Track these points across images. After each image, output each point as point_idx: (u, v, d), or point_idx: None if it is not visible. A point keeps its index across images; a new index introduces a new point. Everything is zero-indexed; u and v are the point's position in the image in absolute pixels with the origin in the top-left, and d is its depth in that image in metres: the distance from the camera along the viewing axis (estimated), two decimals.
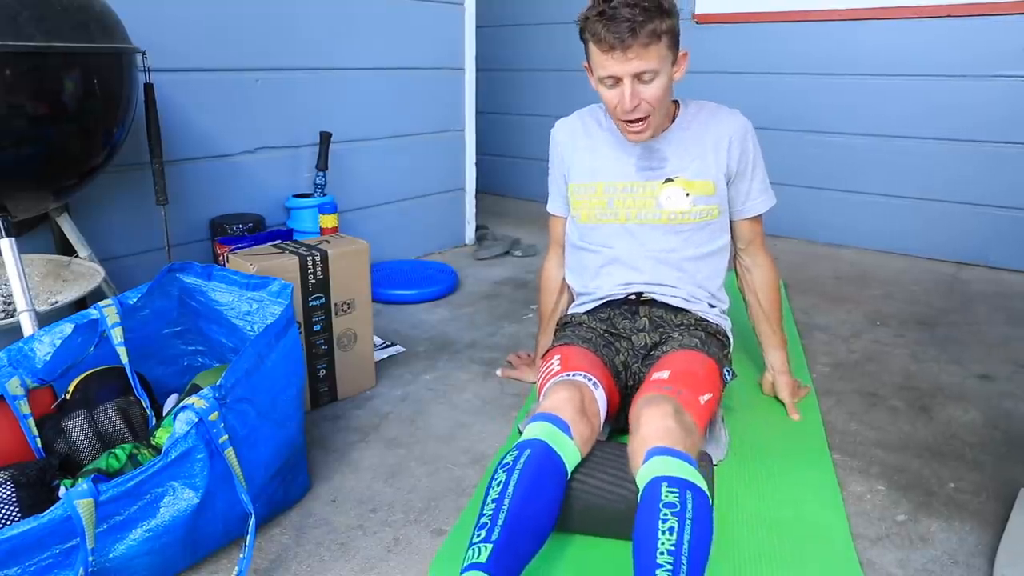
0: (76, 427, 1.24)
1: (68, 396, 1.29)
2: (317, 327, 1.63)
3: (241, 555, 1.06)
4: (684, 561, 0.93)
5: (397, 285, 2.45)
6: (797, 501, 1.32)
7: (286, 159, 2.43)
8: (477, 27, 3.03)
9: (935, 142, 2.86)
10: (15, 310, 1.44)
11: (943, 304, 2.42)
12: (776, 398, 1.67)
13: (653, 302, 1.50)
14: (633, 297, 1.51)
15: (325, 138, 2.40)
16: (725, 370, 1.41)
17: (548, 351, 1.45)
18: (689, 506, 0.99)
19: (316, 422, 1.62)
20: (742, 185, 1.51)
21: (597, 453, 1.21)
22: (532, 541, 1.03)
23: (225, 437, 1.06)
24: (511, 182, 4.16)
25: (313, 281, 1.60)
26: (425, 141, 2.93)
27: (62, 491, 1.11)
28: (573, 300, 1.66)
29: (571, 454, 1.14)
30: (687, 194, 1.46)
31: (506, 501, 1.02)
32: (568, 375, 1.28)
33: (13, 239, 1.45)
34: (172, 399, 1.39)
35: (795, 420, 1.60)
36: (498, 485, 1.05)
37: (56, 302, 1.58)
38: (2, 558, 0.92)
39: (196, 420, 1.03)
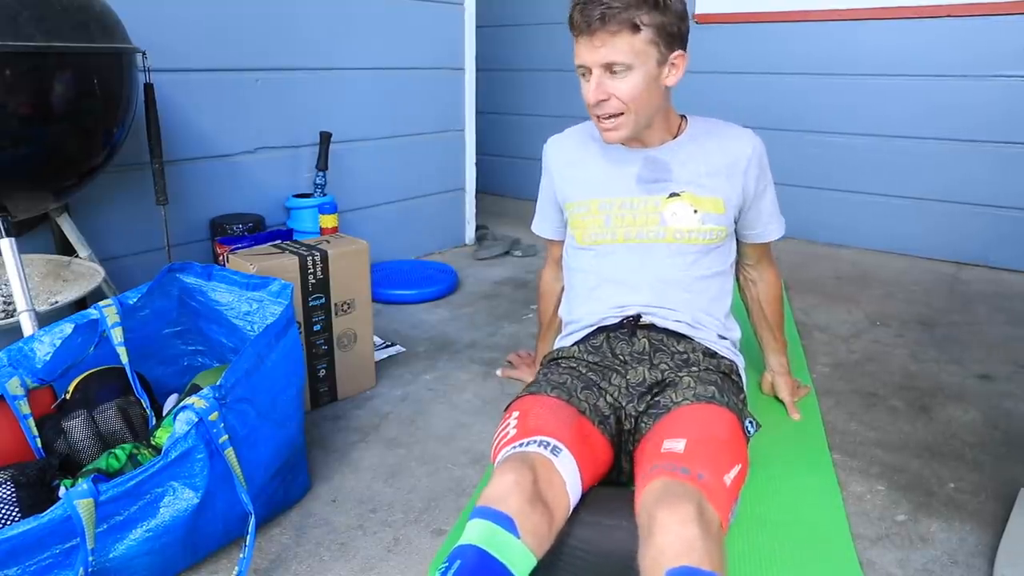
0: (76, 427, 1.24)
1: (68, 396, 1.29)
2: (317, 327, 1.63)
3: (241, 555, 1.06)
4: None
5: (397, 285, 2.45)
6: (797, 501, 1.32)
7: (286, 159, 2.43)
8: (477, 27, 3.03)
9: (935, 142, 2.86)
10: (15, 310, 1.44)
11: (943, 304, 2.42)
12: (776, 398, 1.67)
13: (652, 327, 1.32)
14: (630, 320, 1.32)
15: (325, 138, 2.40)
16: (747, 423, 1.20)
17: (510, 405, 1.22)
18: None
19: (316, 422, 1.62)
20: (755, 211, 1.40)
21: (567, 554, 1.02)
22: None
23: (225, 437, 1.06)
24: (511, 182, 4.16)
25: (313, 281, 1.60)
26: (425, 141, 2.93)
27: (62, 491, 1.11)
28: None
29: (519, 559, 0.91)
30: (695, 211, 1.31)
31: None
32: (520, 445, 1.05)
33: (13, 239, 1.45)
34: (172, 399, 1.39)
35: (795, 420, 1.60)
36: None
37: (56, 302, 1.58)
38: (2, 558, 0.92)
39: (196, 420, 1.03)
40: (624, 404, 1.24)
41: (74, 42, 1.39)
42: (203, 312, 1.44)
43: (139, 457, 1.19)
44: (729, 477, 1.03)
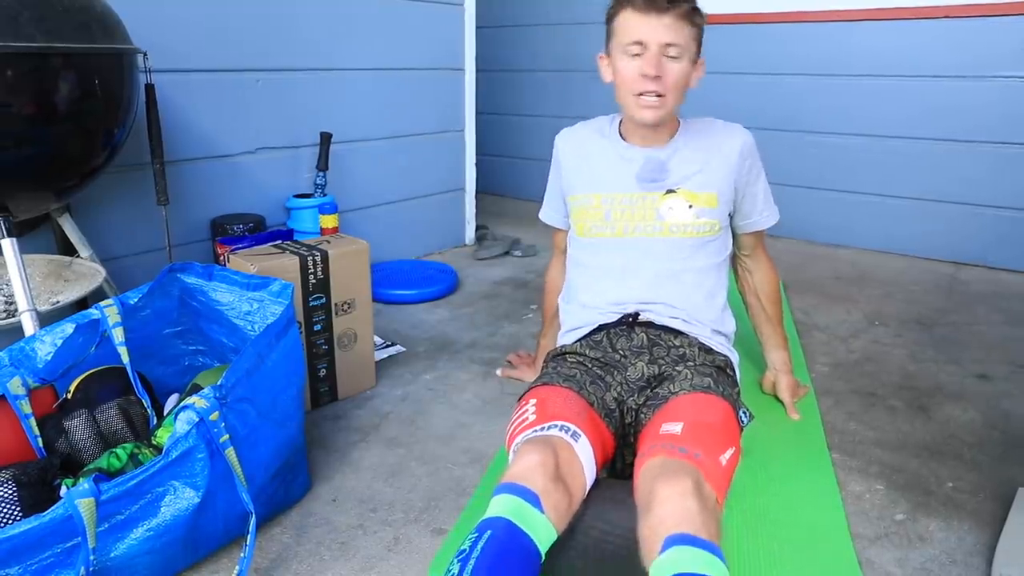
0: (77, 427, 1.24)
1: (69, 396, 1.30)
2: (317, 327, 1.64)
3: (242, 554, 1.06)
4: None
5: (397, 285, 2.45)
6: (796, 500, 1.33)
7: (286, 159, 2.43)
8: (477, 27, 3.03)
9: (934, 143, 2.86)
10: (16, 310, 1.44)
11: (942, 304, 2.42)
12: (776, 397, 1.68)
13: (650, 324, 1.37)
14: (628, 318, 1.38)
15: (325, 138, 2.41)
16: (741, 412, 1.26)
17: (525, 393, 1.28)
18: None
19: (316, 422, 1.62)
20: (747, 201, 1.47)
21: (583, 531, 1.06)
22: None
23: (226, 437, 1.07)
24: (511, 182, 4.16)
25: (313, 281, 1.61)
26: (425, 141, 2.94)
27: (63, 490, 1.12)
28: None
29: (543, 531, 0.96)
30: (690, 206, 1.39)
31: None
32: (541, 429, 1.10)
33: (15, 239, 1.45)
34: (173, 399, 1.40)
35: (794, 420, 1.61)
36: None
37: (57, 302, 1.59)
38: (4, 557, 0.93)
39: (197, 420, 1.04)
40: (626, 398, 1.29)
41: (75, 43, 1.39)
42: (204, 312, 1.44)
43: (140, 457, 1.20)
44: (724, 458, 1.08)
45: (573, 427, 1.10)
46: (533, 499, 0.97)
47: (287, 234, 2.28)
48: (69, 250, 1.79)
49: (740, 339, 1.72)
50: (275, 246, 1.67)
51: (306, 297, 1.60)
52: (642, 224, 1.40)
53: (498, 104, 4.07)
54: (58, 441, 1.24)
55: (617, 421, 1.27)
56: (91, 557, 0.93)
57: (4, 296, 1.65)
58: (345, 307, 1.68)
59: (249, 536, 1.06)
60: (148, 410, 1.34)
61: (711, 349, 1.36)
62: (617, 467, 1.29)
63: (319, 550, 1.21)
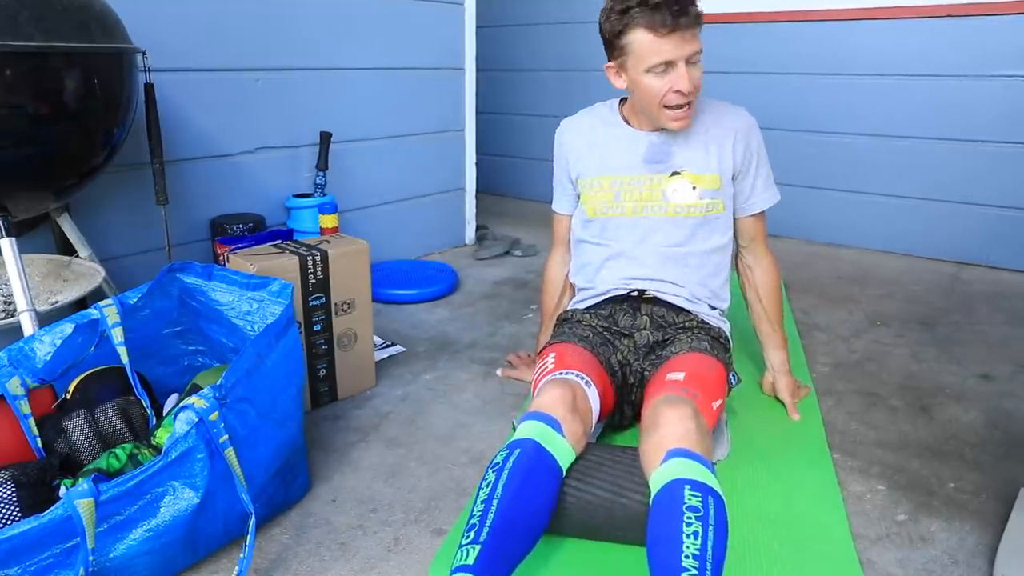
0: (76, 427, 1.24)
1: (68, 396, 1.29)
2: (317, 327, 1.63)
3: (241, 555, 1.06)
4: (709, 568, 0.92)
5: (397, 285, 2.45)
6: (797, 501, 1.32)
7: (286, 159, 2.43)
8: (477, 27, 3.03)
9: (935, 142, 2.86)
10: (15, 310, 1.44)
11: (944, 304, 2.42)
12: (776, 398, 1.67)
13: (655, 300, 1.50)
14: (635, 294, 1.50)
15: (325, 138, 2.40)
16: (731, 375, 1.40)
17: (544, 348, 1.45)
18: (712, 511, 0.98)
19: (316, 422, 1.62)
20: (747, 181, 1.52)
21: (592, 457, 1.20)
22: (522, 542, 1.02)
23: (225, 437, 1.06)
24: (511, 182, 4.16)
25: (313, 281, 1.60)
26: (425, 141, 2.94)
27: (62, 491, 1.11)
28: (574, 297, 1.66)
29: (564, 452, 1.14)
30: (694, 187, 1.47)
31: (495, 502, 1.01)
32: (561, 374, 1.27)
33: (14, 239, 1.45)
34: (172, 399, 1.39)
35: (795, 420, 1.61)
36: (487, 486, 1.04)
37: (56, 302, 1.59)
38: (3, 557, 0.92)
39: (196, 420, 1.03)
40: (631, 361, 1.45)
41: (74, 42, 1.39)
42: (203, 312, 1.44)
43: (139, 457, 1.19)
44: (715, 404, 1.28)
45: (586, 376, 1.28)
46: (556, 425, 1.14)
47: (287, 234, 2.28)
48: (68, 250, 1.79)
49: (740, 339, 1.73)
50: (275, 246, 1.67)
51: (306, 297, 1.60)
52: (650, 204, 1.48)
53: (498, 104, 4.07)
54: (57, 441, 1.24)
55: (620, 380, 1.43)
56: (90, 558, 0.93)
57: (3, 296, 1.64)
58: (345, 307, 1.68)
59: (249, 536, 1.06)
60: (147, 410, 1.34)
61: (707, 323, 1.50)
62: (615, 419, 1.47)
63: (319, 550, 1.21)
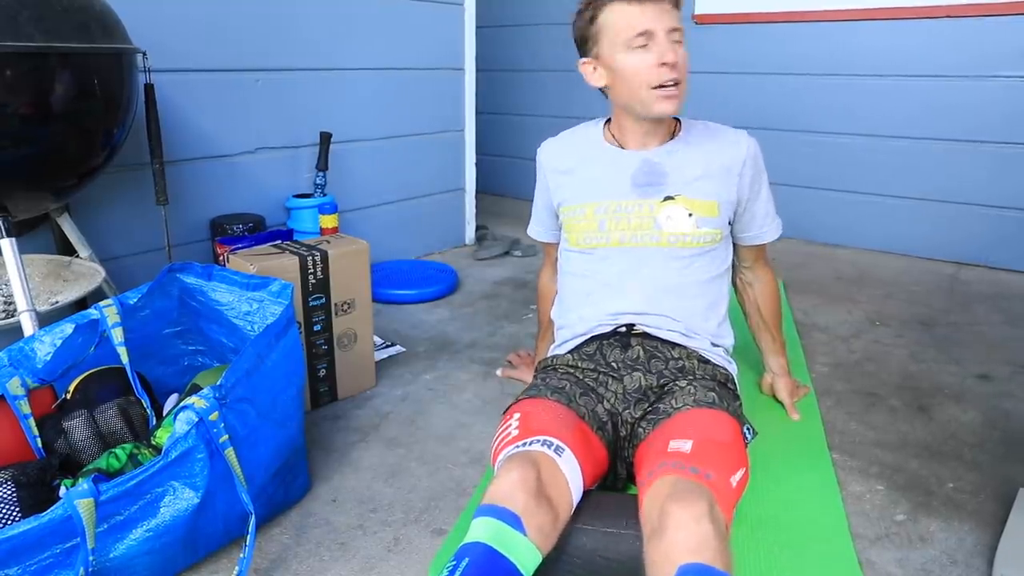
0: (76, 427, 1.24)
1: (68, 396, 1.29)
2: (317, 327, 1.64)
3: (241, 555, 1.06)
4: None
5: (397, 285, 2.45)
6: (796, 501, 1.32)
7: (286, 159, 2.43)
8: (477, 27, 3.03)
9: (935, 142, 2.86)
10: (16, 310, 1.44)
11: (943, 304, 2.42)
12: (775, 398, 1.68)
13: (646, 336, 1.31)
14: (623, 329, 1.32)
15: (325, 138, 2.40)
16: (745, 428, 1.21)
17: (509, 407, 1.22)
18: None
19: (316, 422, 1.62)
20: (751, 212, 1.40)
21: (571, 549, 1.02)
22: None
23: (225, 437, 1.07)
24: (511, 182, 4.16)
25: (313, 281, 1.61)
26: (425, 141, 2.94)
27: (62, 491, 1.11)
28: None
29: (526, 555, 0.92)
30: (690, 214, 1.31)
31: None
32: (523, 444, 1.06)
33: (14, 239, 1.45)
34: (172, 399, 1.40)
35: (795, 420, 1.61)
36: None
37: (57, 302, 1.59)
38: (3, 558, 0.93)
39: (196, 420, 1.03)
40: (621, 410, 1.25)
41: (74, 42, 1.39)
42: (203, 312, 1.44)
43: (139, 457, 1.20)
44: (735, 479, 1.04)
45: (557, 441, 1.06)
46: (514, 521, 0.93)
47: (287, 234, 2.28)
48: (68, 250, 1.79)
49: (738, 344, 1.72)
50: (275, 246, 1.67)
51: (306, 297, 1.60)
52: (639, 233, 1.32)
53: (498, 104, 4.07)
54: (57, 441, 1.24)
55: (610, 434, 1.23)
56: (90, 558, 0.93)
57: (3, 296, 1.64)
58: (345, 307, 1.68)
59: (249, 536, 1.06)
60: (147, 410, 1.34)
61: (709, 360, 1.32)
62: (608, 481, 1.26)
63: (319, 551, 1.21)
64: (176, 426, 1.04)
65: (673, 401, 1.21)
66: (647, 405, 1.24)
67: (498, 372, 1.87)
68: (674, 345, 1.31)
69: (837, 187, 3.12)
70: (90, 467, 1.17)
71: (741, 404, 1.32)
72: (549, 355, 1.42)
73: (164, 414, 1.36)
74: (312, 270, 1.60)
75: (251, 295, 1.40)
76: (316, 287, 1.61)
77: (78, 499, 0.92)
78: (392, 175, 2.83)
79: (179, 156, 2.12)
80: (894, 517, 1.30)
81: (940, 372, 1.90)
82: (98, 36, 1.45)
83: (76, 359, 1.27)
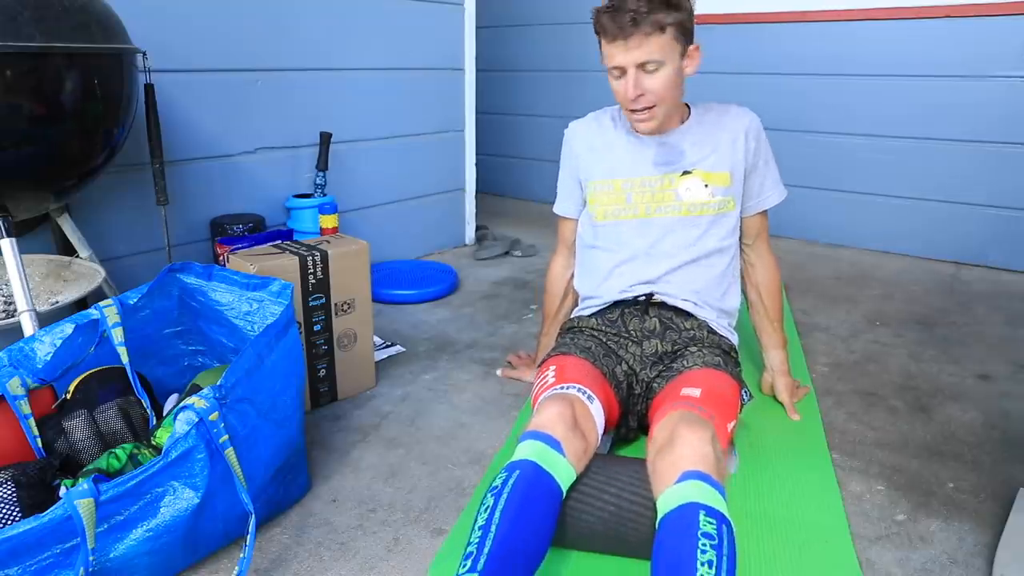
0: (77, 427, 1.24)
1: (69, 396, 1.29)
2: (317, 327, 1.64)
3: (241, 555, 1.06)
4: None
5: (397, 285, 2.45)
6: (796, 501, 1.32)
7: (286, 159, 2.43)
8: (477, 27, 3.03)
9: (935, 142, 2.86)
10: (16, 310, 1.44)
11: (943, 304, 2.42)
12: (775, 399, 1.68)
13: (663, 305, 1.48)
14: (643, 298, 1.48)
15: (325, 138, 2.40)
16: (743, 391, 1.38)
17: (545, 360, 1.41)
18: (726, 542, 0.96)
19: (316, 422, 1.62)
20: (757, 178, 1.53)
21: (595, 472, 1.17)
22: (522, 568, 0.99)
23: (225, 437, 1.07)
24: (511, 182, 4.16)
25: (313, 281, 1.61)
26: (425, 141, 2.94)
27: (62, 491, 1.11)
28: (576, 301, 1.66)
29: (564, 472, 1.11)
30: (706, 185, 1.47)
31: (492, 527, 0.98)
32: (561, 388, 1.25)
33: (14, 239, 1.45)
34: (172, 399, 1.40)
35: (794, 420, 1.61)
36: (485, 511, 1.01)
37: (57, 302, 1.59)
38: (3, 558, 0.93)
39: (196, 420, 1.03)
40: (638, 371, 1.43)
41: (74, 42, 1.39)
42: (203, 312, 1.44)
43: (139, 457, 1.20)
44: (730, 426, 1.26)
45: (588, 391, 1.25)
46: (556, 444, 1.11)
47: (287, 234, 2.28)
48: (68, 250, 1.79)
49: (740, 338, 1.73)
50: (275, 246, 1.67)
51: (306, 297, 1.60)
52: (662, 205, 1.48)
53: (498, 104, 4.07)
54: (57, 441, 1.24)
55: (624, 392, 1.41)
56: (90, 558, 0.93)
57: (3, 296, 1.64)
58: (345, 307, 1.68)
59: (249, 536, 1.06)
60: (148, 410, 1.34)
61: (716, 332, 1.48)
62: (620, 432, 1.45)
63: (319, 551, 1.21)
64: (176, 426, 1.04)
65: (685, 362, 1.39)
66: (661, 367, 1.42)
67: (498, 372, 1.88)
68: (687, 316, 1.47)
69: (836, 187, 3.13)
70: (90, 467, 1.17)
71: (741, 370, 1.48)
72: (574, 316, 1.59)
73: (164, 414, 1.36)
74: (312, 270, 1.60)
75: (251, 295, 1.40)
76: (316, 287, 1.61)
77: (78, 499, 0.92)
78: (392, 175, 2.83)
79: (179, 156, 2.12)
80: (894, 517, 1.30)
81: (940, 372, 1.90)
82: (98, 36, 1.45)
83: (76, 359, 1.28)
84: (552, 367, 1.34)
